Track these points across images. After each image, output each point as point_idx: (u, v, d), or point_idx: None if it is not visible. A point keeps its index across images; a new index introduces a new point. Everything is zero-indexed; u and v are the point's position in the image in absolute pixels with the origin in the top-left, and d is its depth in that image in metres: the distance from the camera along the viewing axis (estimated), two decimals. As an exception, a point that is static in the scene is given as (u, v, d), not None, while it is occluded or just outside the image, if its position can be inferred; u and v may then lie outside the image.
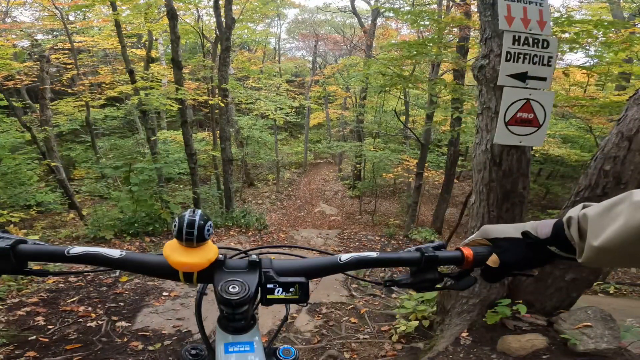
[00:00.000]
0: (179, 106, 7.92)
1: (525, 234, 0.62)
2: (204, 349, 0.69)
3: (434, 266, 0.66)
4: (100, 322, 3.45)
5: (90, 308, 3.74)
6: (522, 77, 2.11)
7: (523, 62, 2.09)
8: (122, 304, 3.95)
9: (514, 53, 2.08)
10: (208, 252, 0.59)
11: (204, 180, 16.57)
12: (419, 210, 12.26)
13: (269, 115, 13.95)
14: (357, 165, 16.62)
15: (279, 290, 0.58)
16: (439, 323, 2.85)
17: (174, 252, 0.58)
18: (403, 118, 17.13)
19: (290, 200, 16.86)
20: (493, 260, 0.64)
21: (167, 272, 0.60)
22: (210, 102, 10.19)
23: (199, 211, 0.59)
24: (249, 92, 14.35)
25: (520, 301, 2.46)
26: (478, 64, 2.42)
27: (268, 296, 0.59)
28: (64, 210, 9.13)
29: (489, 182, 2.48)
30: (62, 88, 12.06)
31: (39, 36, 13.07)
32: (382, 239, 7.55)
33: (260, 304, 0.61)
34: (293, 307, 1.26)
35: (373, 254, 0.66)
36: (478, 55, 2.54)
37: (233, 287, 0.56)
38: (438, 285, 0.68)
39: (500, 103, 2.15)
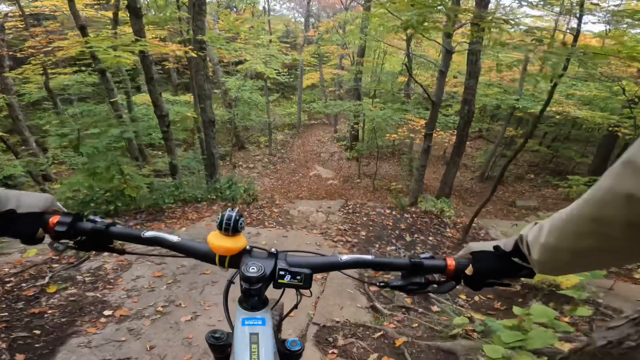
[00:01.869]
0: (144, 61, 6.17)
1: (495, 247, 0.70)
2: (224, 332, 0.79)
3: (421, 272, 0.74)
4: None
5: (-19, 346, 2.36)
6: None
7: None
8: (38, 331, 2.58)
9: None
10: (239, 242, 0.72)
11: (190, 145, 15.01)
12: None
13: (257, 69, 12.10)
14: (355, 126, 15.02)
15: (288, 277, 0.68)
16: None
17: (214, 239, 0.72)
18: (403, 79, 15.40)
19: (283, 163, 15.38)
20: (469, 269, 0.72)
21: (208, 255, 0.73)
22: (178, 52, 8.43)
23: (236, 209, 0.73)
24: (234, 47, 12.36)
25: None
26: None
27: (279, 280, 0.69)
28: (36, 183, 7.65)
29: None
30: (24, 55, 10.29)
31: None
32: (394, 213, 6.20)
33: (273, 286, 0.70)
34: (297, 328, 1.27)
35: (369, 257, 0.76)
36: None
37: (253, 268, 0.67)
38: (424, 289, 0.74)
39: None
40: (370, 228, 5.49)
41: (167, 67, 19.03)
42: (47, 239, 0.73)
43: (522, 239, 0.62)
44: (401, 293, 3.34)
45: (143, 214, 5.51)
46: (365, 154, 14.46)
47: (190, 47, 6.66)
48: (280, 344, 0.76)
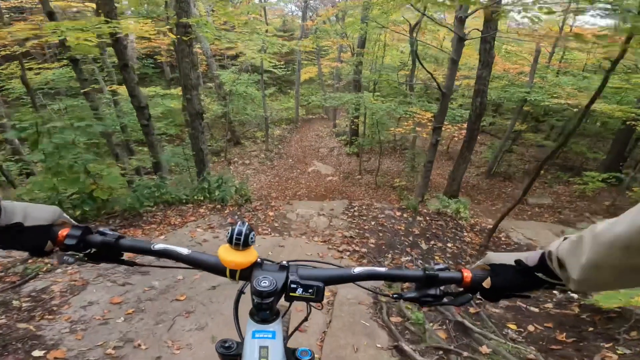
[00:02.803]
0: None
1: (517, 261, 0.66)
2: (233, 342, 0.75)
3: (436, 284, 0.70)
4: None
5: None
6: None
7: None
8: None
9: None
10: (250, 255, 0.69)
11: (183, 140, 14.14)
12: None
13: (250, 56, 11.22)
14: (355, 120, 14.19)
15: (300, 290, 0.66)
16: None
17: (225, 253, 0.69)
18: (405, 72, 14.55)
19: (281, 159, 14.54)
20: (487, 282, 0.68)
21: (218, 269, 0.70)
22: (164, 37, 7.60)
23: (246, 224, 0.69)
24: (225, 35, 11.46)
25: None
26: None
27: (291, 293, 0.66)
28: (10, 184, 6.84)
29: None
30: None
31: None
32: (405, 215, 5.40)
33: (284, 299, 0.68)
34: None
35: (382, 269, 0.72)
36: None
37: (264, 282, 0.65)
38: (439, 301, 0.70)
39: None
40: (380, 234, 4.70)
41: (159, 60, 18.16)
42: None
43: (550, 255, 0.59)
44: (433, 328, 2.60)
45: (117, 218, 4.69)
46: (367, 149, 13.65)
47: (168, 27, 5.81)
48: (290, 354, 0.72)
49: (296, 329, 0.87)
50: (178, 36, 5.68)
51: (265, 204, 5.45)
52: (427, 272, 0.70)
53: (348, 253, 4.04)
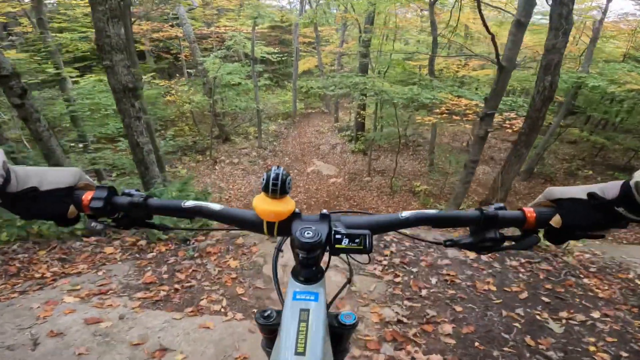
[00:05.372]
0: None
1: (591, 195, 0.53)
2: (273, 311, 0.65)
3: (495, 226, 0.59)
4: None
5: None
6: None
7: None
8: None
9: None
10: (288, 204, 0.58)
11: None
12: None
13: (236, 40, 8.73)
14: (362, 112, 11.65)
15: (345, 241, 0.55)
16: None
17: (261, 203, 0.57)
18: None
19: (275, 157, 12.00)
20: (556, 220, 0.55)
21: (254, 223, 0.60)
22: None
23: (282, 168, 0.57)
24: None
25: None
26: None
27: (336, 245, 0.55)
28: None
29: None
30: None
31: None
32: (483, 257, 2.86)
33: (329, 253, 0.58)
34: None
35: (433, 212, 0.60)
36: None
37: (308, 233, 0.55)
38: (499, 246, 0.59)
39: None
40: (457, 308, 2.20)
41: (139, 49, 15.41)
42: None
43: (637, 186, 0.47)
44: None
45: None
46: (375, 146, 11.12)
47: None
48: (332, 318, 0.63)
49: (342, 289, 0.76)
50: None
51: (229, 239, 2.90)
52: (485, 212, 0.57)
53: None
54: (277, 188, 0.55)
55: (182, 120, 14.58)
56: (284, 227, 0.59)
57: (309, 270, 0.57)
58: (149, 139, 3.95)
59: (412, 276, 2.55)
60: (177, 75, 15.61)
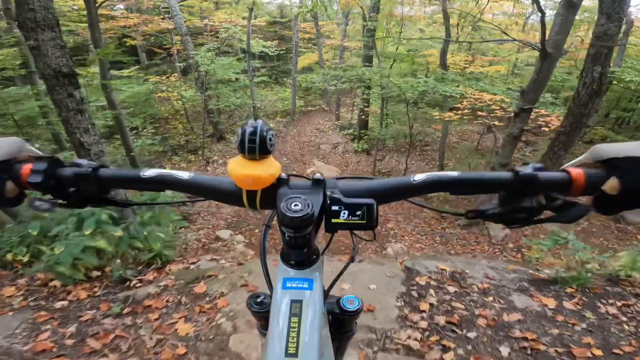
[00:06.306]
0: None
1: None
2: (267, 295, 0.54)
3: (532, 191, 0.42)
4: None
5: None
6: None
7: None
8: None
9: None
10: (271, 167, 0.43)
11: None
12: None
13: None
14: (366, 109, 10.70)
15: (344, 214, 0.42)
16: None
17: (236, 166, 0.43)
18: (432, 54, 11.01)
19: (273, 156, 11.06)
20: (612, 185, 0.39)
21: (231, 193, 0.46)
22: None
23: (260, 120, 0.42)
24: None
25: None
26: None
27: (333, 220, 0.42)
28: None
29: None
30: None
31: None
32: (566, 305, 1.92)
33: (325, 229, 0.44)
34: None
35: (453, 173, 0.44)
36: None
37: (296, 205, 0.40)
38: (537, 218, 0.42)
39: None
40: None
41: (128, 44, 14.33)
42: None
43: None
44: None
45: None
46: (379, 145, 10.18)
47: None
48: (333, 304, 0.53)
49: (344, 269, 0.58)
50: None
51: (184, 286, 1.89)
52: (519, 173, 0.41)
53: None
54: (256, 145, 0.41)
55: (175, 118, 13.70)
56: (268, 197, 0.45)
57: (299, 252, 0.44)
58: (98, 138, 3.00)
59: (469, 346, 1.59)
60: (170, 71, 14.67)
